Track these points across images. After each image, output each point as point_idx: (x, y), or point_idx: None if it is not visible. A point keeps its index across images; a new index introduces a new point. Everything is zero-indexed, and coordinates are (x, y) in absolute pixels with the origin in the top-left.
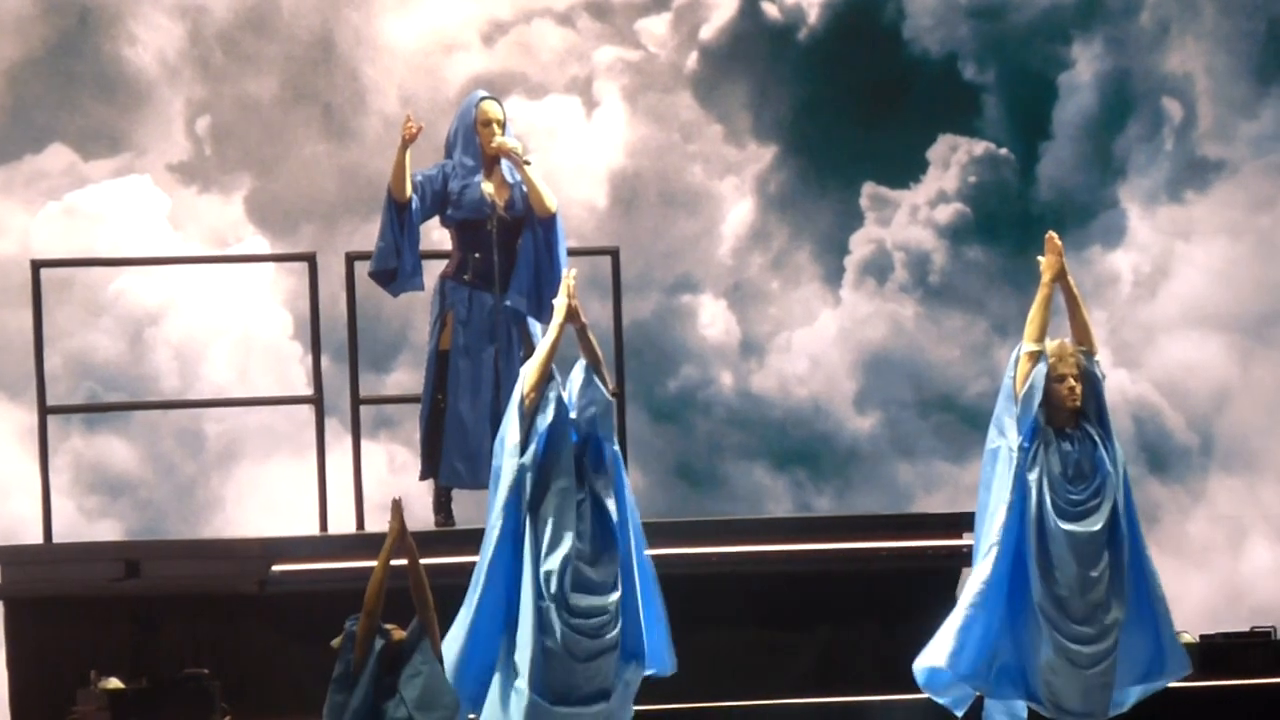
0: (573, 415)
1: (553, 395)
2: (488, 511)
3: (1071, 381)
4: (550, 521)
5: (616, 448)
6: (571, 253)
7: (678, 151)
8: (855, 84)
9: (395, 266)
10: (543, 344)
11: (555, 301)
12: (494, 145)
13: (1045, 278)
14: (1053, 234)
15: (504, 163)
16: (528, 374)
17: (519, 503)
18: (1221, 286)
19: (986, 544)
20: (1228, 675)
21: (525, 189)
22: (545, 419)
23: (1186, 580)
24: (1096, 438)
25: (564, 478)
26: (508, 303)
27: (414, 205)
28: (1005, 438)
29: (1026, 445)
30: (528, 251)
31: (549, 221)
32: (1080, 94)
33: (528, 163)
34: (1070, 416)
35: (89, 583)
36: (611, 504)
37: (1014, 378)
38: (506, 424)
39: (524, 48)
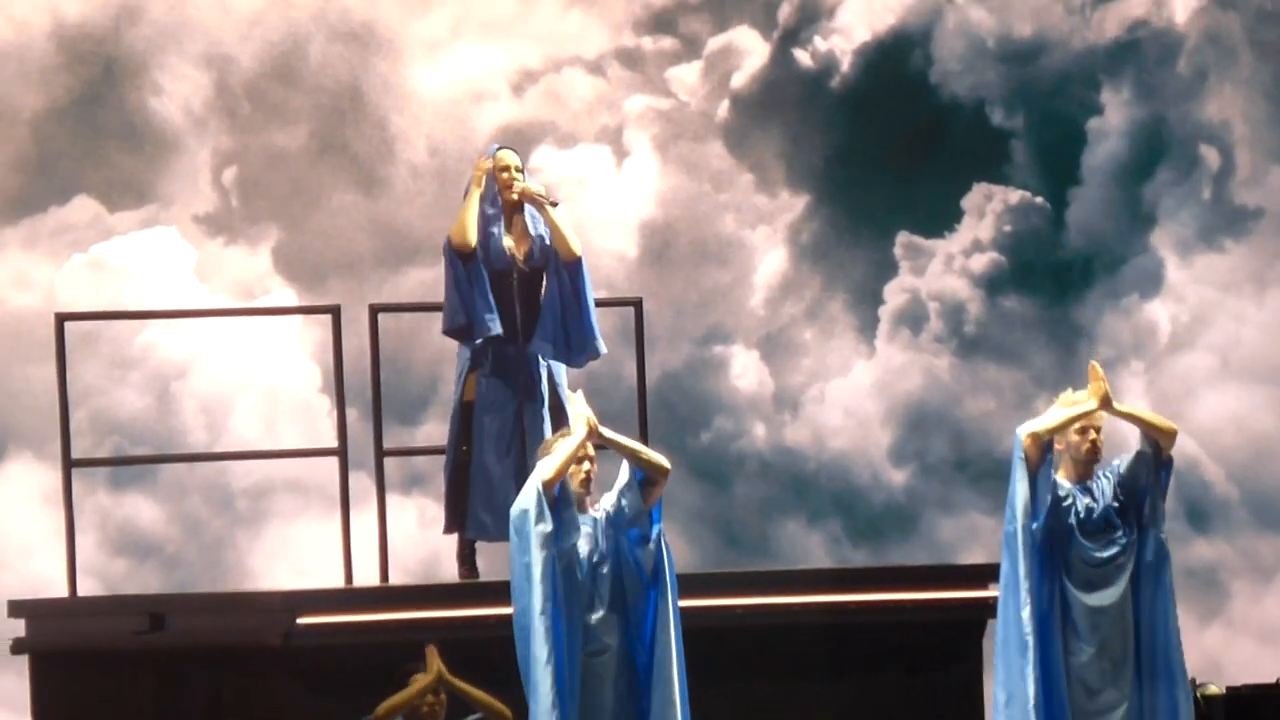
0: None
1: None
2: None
3: (1094, 434)
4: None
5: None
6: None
7: (709, 201)
8: (888, 131)
9: (467, 322)
10: (561, 454)
11: (573, 418)
12: (518, 191)
13: (1089, 407)
14: (1095, 364)
15: (527, 212)
16: (548, 471)
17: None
18: (1262, 336)
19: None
20: None
21: (549, 236)
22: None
23: (1217, 631)
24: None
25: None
26: (534, 351)
27: (478, 253)
28: (1017, 520)
29: (1038, 524)
30: (553, 297)
31: (575, 265)
32: (1113, 140)
33: (554, 204)
34: (1088, 467)
35: (113, 636)
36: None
37: (1023, 459)
38: (529, 509)
39: (554, 97)
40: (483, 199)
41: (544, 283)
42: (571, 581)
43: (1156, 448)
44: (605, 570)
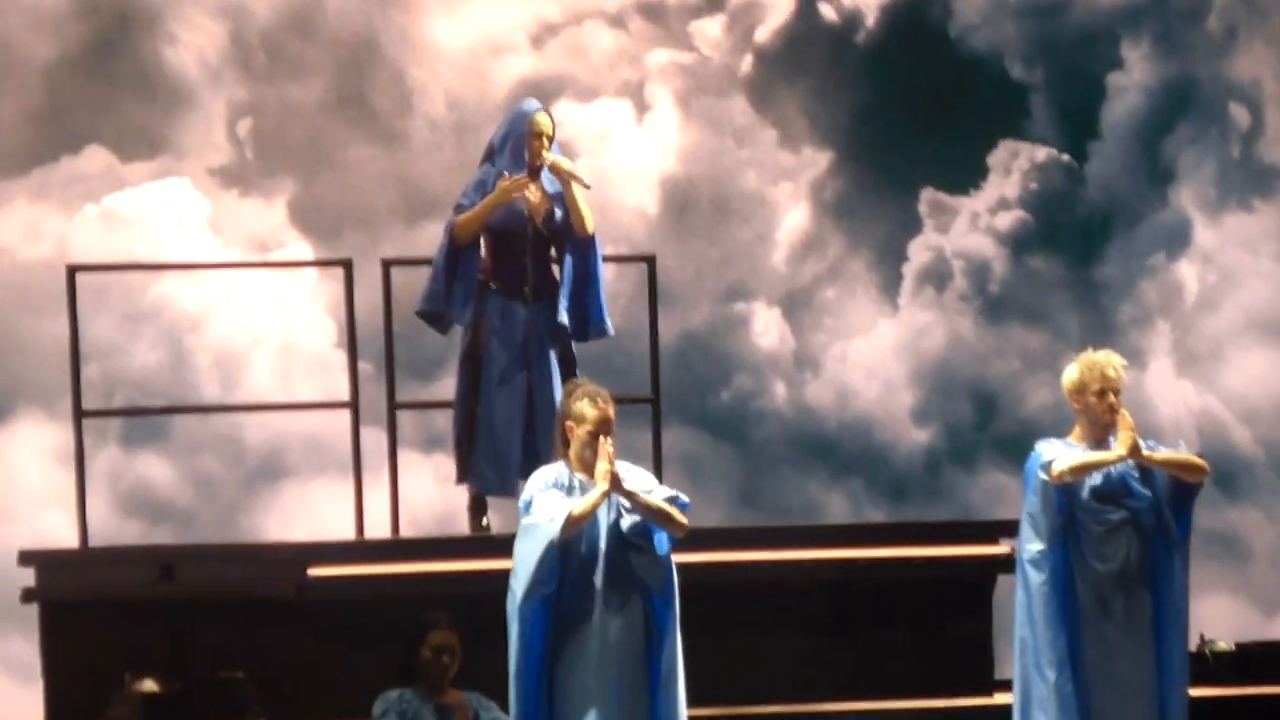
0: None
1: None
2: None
3: (1112, 398)
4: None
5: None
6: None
7: (731, 157)
8: (914, 87)
9: (440, 313)
10: (583, 505)
11: (598, 471)
12: (550, 162)
13: (1119, 451)
14: (1124, 412)
15: (546, 175)
16: (555, 531)
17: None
18: None
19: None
20: (1264, 683)
21: (567, 205)
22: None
23: (1237, 592)
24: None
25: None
26: (562, 320)
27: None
28: (1035, 543)
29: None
30: (571, 271)
31: (587, 243)
32: (1142, 99)
33: (587, 187)
34: (1106, 430)
35: (124, 586)
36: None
37: (1038, 488)
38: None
39: (574, 50)
40: (495, 156)
41: (554, 251)
42: (573, 565)
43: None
44: (611, 553)
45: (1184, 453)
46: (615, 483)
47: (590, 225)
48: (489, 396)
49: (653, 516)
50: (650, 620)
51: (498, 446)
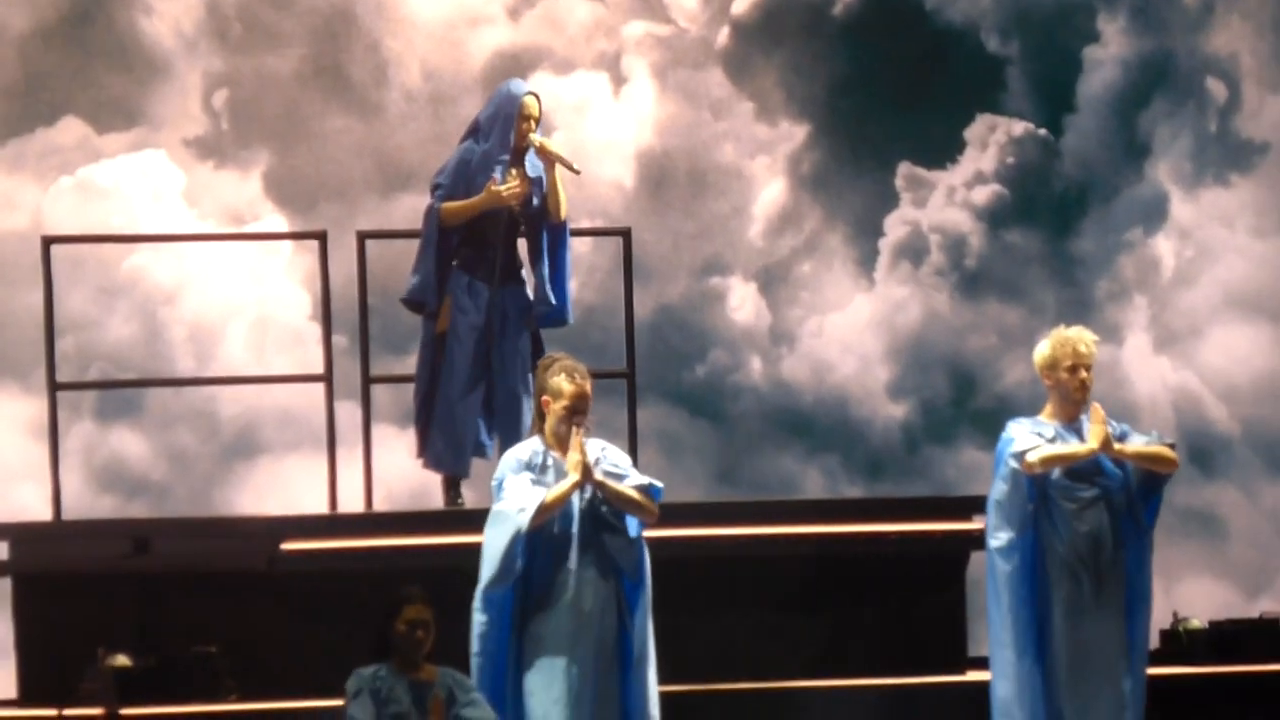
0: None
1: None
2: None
3: (1084, 374)
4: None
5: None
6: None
7: (708, 129)
8: (892, 60)
9: (432, 299)
10: (553, 494)
11: (569, 461)
12: (538, 144)
13: (1090, 445)
14: (1097, 405)
15: (530, 159)
16: (525, 521)
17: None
18: (1267, 272)
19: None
20: (1236, 662)
21: (546, 188)
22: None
23: (1213, 569)
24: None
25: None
26: (551, 301)
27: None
28: (1004, 531)
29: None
30: (548, 253)
31: (559, 227)
32: (1119, 73)
33: (577, 172)
34: (1078, 408)
35: (97, 560)
36: None
37: (1008, 475)
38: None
39: (551, 21)
40: (479, 134)
41: (534, 232)
42: (546, 544)
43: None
44: (585, 533)
45: (1155, 445)
46: (586, 473)
47: (565, 211)
48: (450, 375)
49: (623, 505)
50: (622, 601)
51: (455, 426)
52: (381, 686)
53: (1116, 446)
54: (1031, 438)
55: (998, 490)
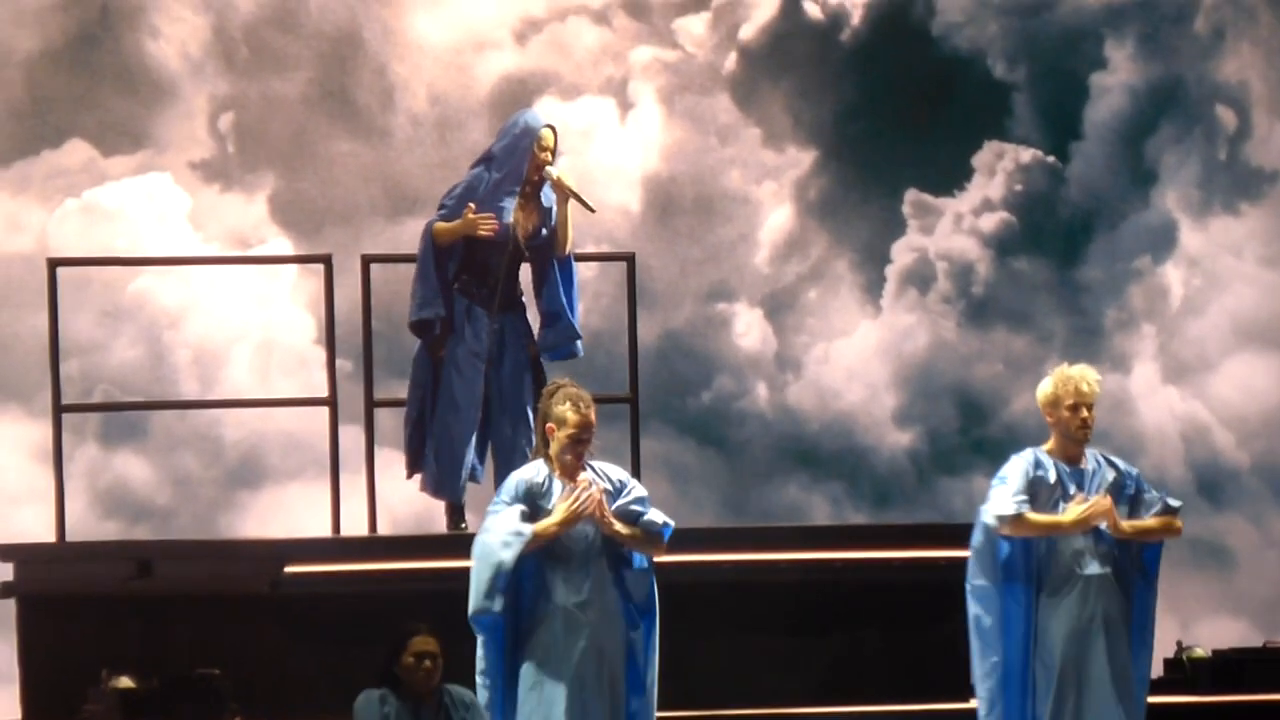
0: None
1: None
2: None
3: (1085, 412)
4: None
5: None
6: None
7: (714, 155)
8: (899, 87)
9: (440, 312)
10: (542, 527)
11: (557, 511)
12: (555, 179)
13: (1067, 520)
14: (1100, 499)
15: (545, 189)
16: (509, 556)
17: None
18: (1276, 301)
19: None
20: (1240, 691)
21: (555, 221)
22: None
23: (1220, 599)
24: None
25: None
26: (576, 342)
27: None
28: (979, 577)
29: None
30: (561, 286)
31: (564, 262)
32: (1126, 100)
33: (592, 210)
34: (1079, 447)
35: (102, 581)
36: None
37: (983, 529)
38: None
39: (558, 46)
40: (491, 163)
41: (539, 264)
42: (561, 565)
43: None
44: (598, 560)
45: (1159, 517)
46: (571, 520)
47: (569, 247)
48: (447, 401)
49: (628, 545)
50: (631, 630)
51: (451, 451)
52: (390, 712)
53: (1121, 525)
54: (1007, 501)
55: (974, 537)
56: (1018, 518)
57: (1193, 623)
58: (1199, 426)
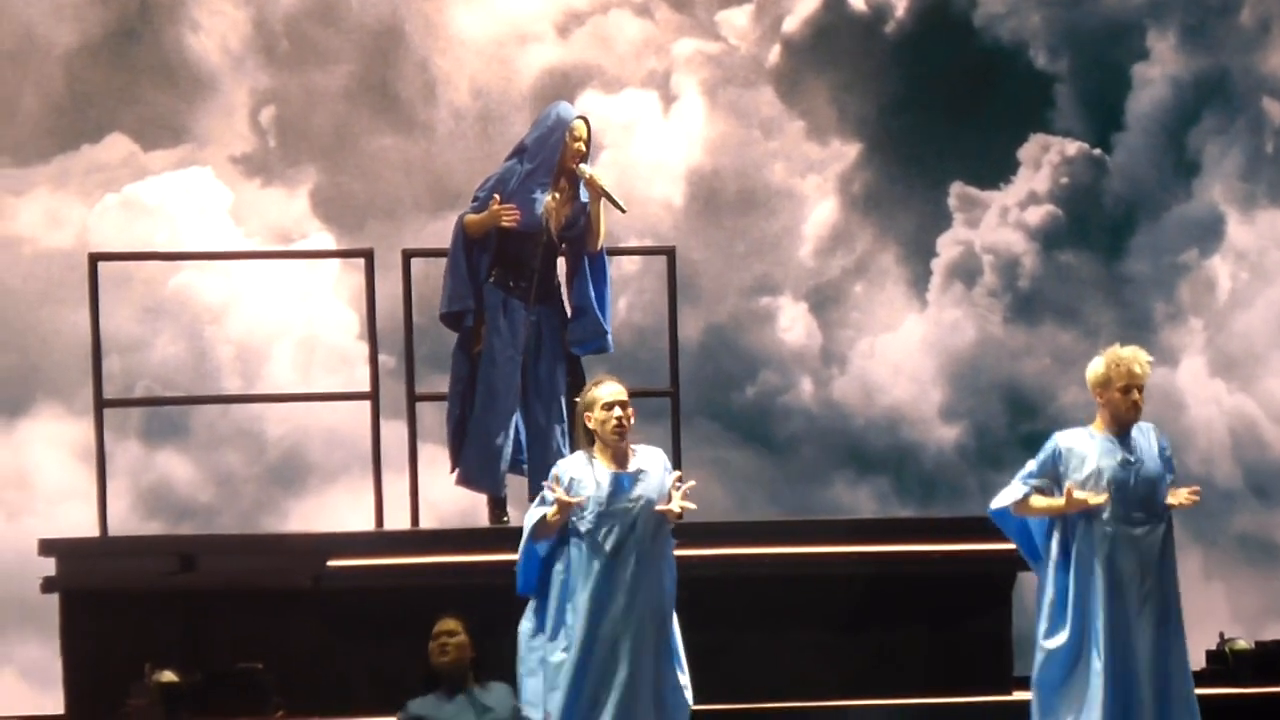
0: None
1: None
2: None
3: (1136, 394)
4: None
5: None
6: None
7: (758, 148)
8: (944, 79)
9: (471, 306)
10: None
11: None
12: (588, 177)
13: (1062, 503)
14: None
15: (580, 185)
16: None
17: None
18: None
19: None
20: None
21: (589, 218)
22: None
23: (1269, 592)
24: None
25: None
26: (607, 336)
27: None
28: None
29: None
30: (592, 282)
31: (596, 257)
32: (1169, 91)
33: (624, 210)
34: (1125, 427)
35: (145, 576)
36: None
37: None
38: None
39: (600, 39)
40: (524, 155)
41: (572, 256)
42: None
43: None
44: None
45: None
46: (564, 508)
47: (601, 244)
48: (485, 394)
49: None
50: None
51: (488, 445)
52: (430, 715)
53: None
54: (1015, 487)
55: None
56: (1018, 508)
57: (1241, 618)
58: (1247, 421)
